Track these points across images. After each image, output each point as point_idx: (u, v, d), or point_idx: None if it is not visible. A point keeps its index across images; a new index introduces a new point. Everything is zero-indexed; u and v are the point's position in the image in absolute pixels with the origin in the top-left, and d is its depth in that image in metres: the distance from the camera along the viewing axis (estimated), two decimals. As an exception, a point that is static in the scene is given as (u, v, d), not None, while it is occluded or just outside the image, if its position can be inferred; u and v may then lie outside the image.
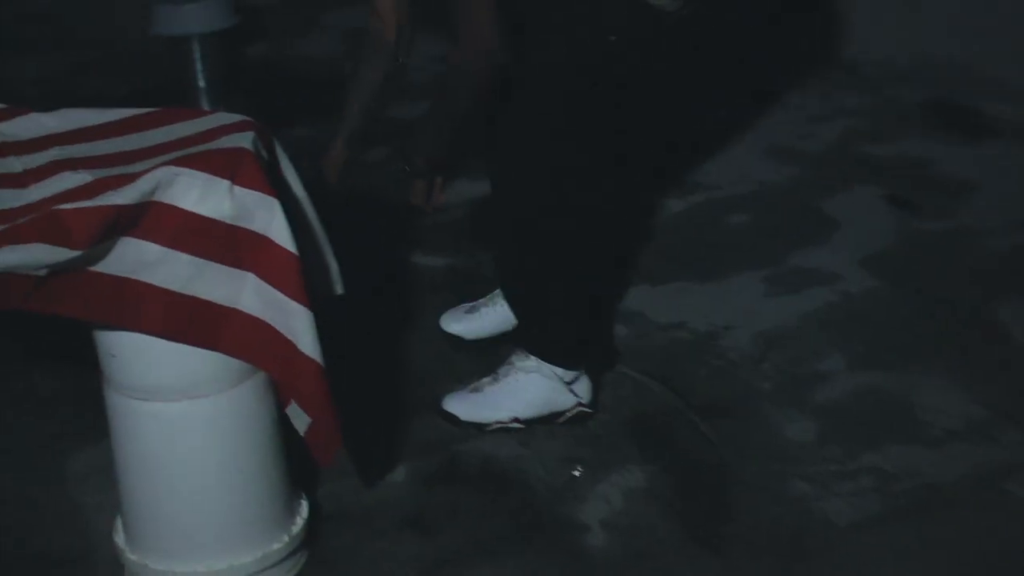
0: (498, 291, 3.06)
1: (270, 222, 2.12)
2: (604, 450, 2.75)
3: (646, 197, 3.87)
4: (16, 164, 2.18)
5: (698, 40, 2.77)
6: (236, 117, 2.28)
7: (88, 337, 2.22)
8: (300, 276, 2.11)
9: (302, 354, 2.11)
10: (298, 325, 2.11)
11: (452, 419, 2.80)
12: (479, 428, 2.79)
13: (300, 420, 2.19)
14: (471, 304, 3.12)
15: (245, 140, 2.17)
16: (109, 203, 1.98)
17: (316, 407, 2.13)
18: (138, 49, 5.13)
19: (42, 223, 1.93)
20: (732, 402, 2.88)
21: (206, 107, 4.76)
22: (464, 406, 2.81)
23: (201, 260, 2.10)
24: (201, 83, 4.78)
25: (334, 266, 2.43)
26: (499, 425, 2.79)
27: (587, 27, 2.57)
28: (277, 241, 2.12)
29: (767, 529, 2.47)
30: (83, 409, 2.57)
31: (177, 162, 2.07)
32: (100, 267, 2.05)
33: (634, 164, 3.22)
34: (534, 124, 2.62)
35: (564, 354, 2.80)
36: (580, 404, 2.83)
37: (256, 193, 2.11)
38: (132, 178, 2.02)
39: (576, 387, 2.82)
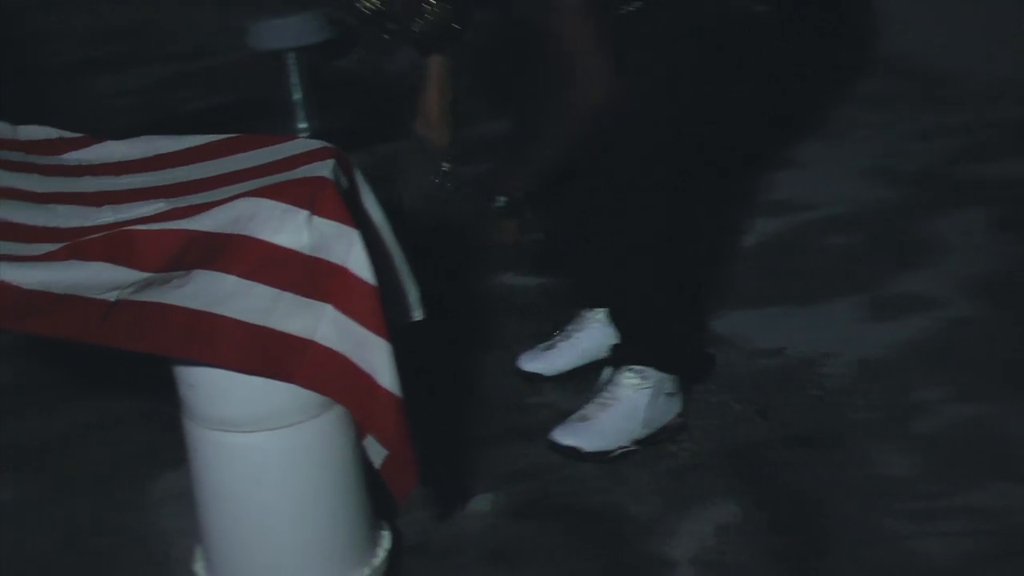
0: (572, 323, 3.04)
1: (348, 253, 2.08)
2: (694, 481, 2.68)
3: (740, 217, 3.78)
4: (92, 184, 2.18)
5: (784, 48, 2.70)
6: (316, 144, 2.25)
7: (168, 359, 2.20)
8: (379, 308, 2.07)
9: (380, 387, 2.07)
10: (377, 358, 2.07)
11: (572, 452, 2.73)
12: (602, 457, 2.73)
13: (376, 453, 2.16)
14: (547, 343, 3.08)
15: (325, 168, 2.13)
16: (182, 227, 1.95)
17: (393, 441, 2.10)
18: (232, 63, 5.15)
19: (110, 241, 1.91)
20: (827, 433, 2.79)
21: (300, 122, 4.78)
22: (582, 437, 2.74)
23: (279, 291, 2.07)
24: (295, 97, 4.79)
25: (414, 291, 2.39)
26: (621, 450, 2.75)
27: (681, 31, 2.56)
28: (355, 272, 2.08)
29: (862, 567, 2.39)
30: (164, 431, 2.55)
31: (256, 192, 2.04)
32: (175, 299, 2.03)
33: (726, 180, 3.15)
34: (644, 145, 2.56)
35: (673, 361, 2.78)
36: (679, 415, 2.81)
37: (335, 223, 2.07)
38: (208, 207, 2.00)
39: (675, 401, 2.81)
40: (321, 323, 2.11)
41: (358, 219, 2.20)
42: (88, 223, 2.02)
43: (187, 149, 2.28)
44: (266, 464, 2.23)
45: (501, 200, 2.63)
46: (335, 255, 2.08)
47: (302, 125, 4.84)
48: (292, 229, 2.04)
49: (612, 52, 2.49)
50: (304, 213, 2.05)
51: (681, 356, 2.81)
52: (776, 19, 2.61)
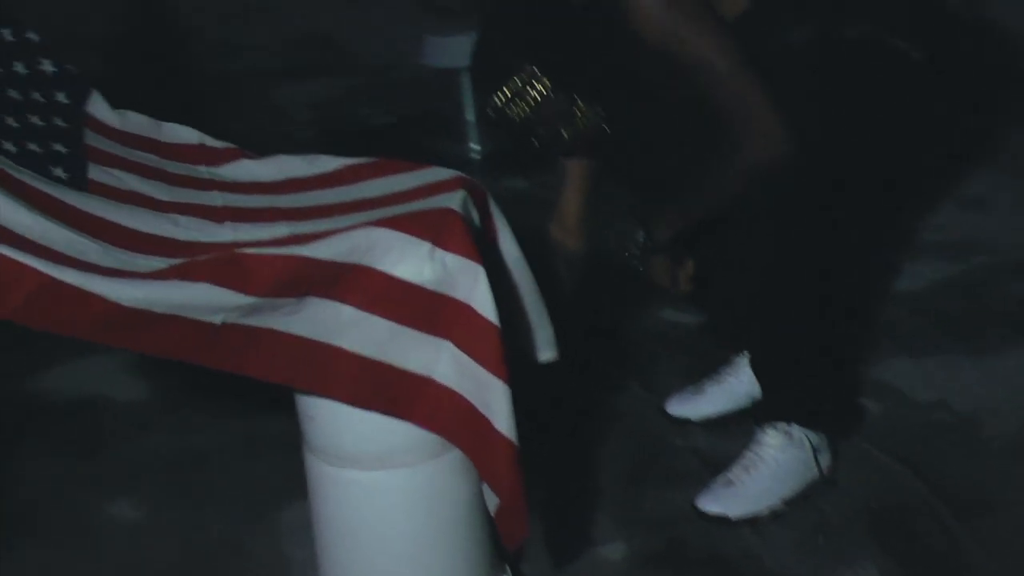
0: (723, 367, 2.92)
1: (473, 289, 2.01)
2: (838, 540, 2.53)
3: (908, 259, 3.60)
4: (218, 198, 2.16)
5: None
6: (449, 173, 2.19)
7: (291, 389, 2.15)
8: (501, 349, 1.98)
9: (496, 432, 1.99)
10: (495, 401, 1.99)
11: (721, 520, 2.60)
12: (752, 522, 2.60)
13: (491, 500, 2.07)
14: (696, 385, 2.95)
15: (454, 200, 2.07)
16: (295, 254, 1.90)
17: (505, 489, 2.01)
18: (410, 78, 5.15)
19: (219, 263, 1.87)
20: (986, 497, 2.61)
21: (472, 142, 4.75)
22: (729, 503, 2.61)
23: (397, 325, 2.01)
24: (468, 116, 4.76)
25: (547, 329, 2.30)
26: (771, 511, 2.61)
27: (848, 77, 2.46)
28: (479, 310, 2.00)
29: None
30: (298, 457, 2.51)
31: (378, 223, 1.99)
32: (287, 327, 1.97)
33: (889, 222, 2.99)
34: (805, 194, 2.44)
35: (818, 415, 2.64)
36: (828, 469, 2.67)
37: (460, 258, 2.00)
38: (327, 235, 1.94)
39: (821, 456, 2.66)
40: (441, 361, 2.04)
41: (488, 253, 2.14)
42: (206, 239, 2.00)
43: (319, 174, 2.25)
44: (383, 503, 2.17)
45: (641, 236, 2.51)
46: (459, 291, 2.01)
47: (474, 146, 4.81)
48: (413, 262, 1.98)
49: (781, 107, 2.38)
50: (426, 246, 1.98)
51: (828, 411, 2.65)
52: (934, 64, 2.47)
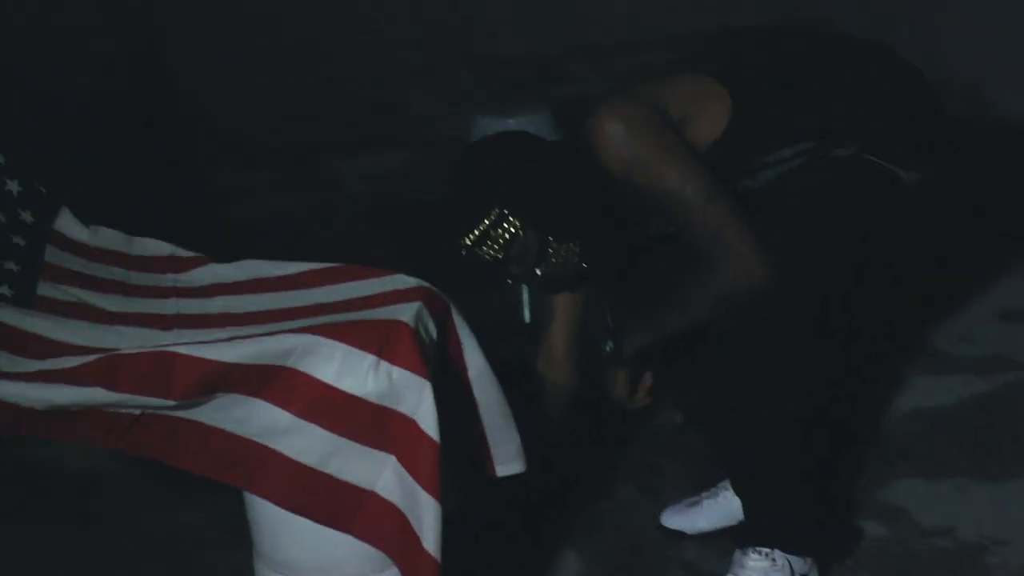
0: (722, 481, 2.82)
1: (418, 404, 1.99)
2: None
3: (933, 374, 3.49)
4: (172, 306, 2.18)
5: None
6: (411, 282, 2.18)
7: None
8: (437, 467, 1.97)
9: (424, 551, 1.97)
10: (426, 519, 1.97)
11: None
12: None
13: None
14: (693, 499, 2.87)
15: (407, 312, 2.06)
16: (223, 360, 1.91)
17: None
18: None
19: (142, 367, 1.89)
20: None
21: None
22: None
23: (339, 438, 2.00)
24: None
25: (513, 443, 2.27)
26: None
27: (835, 201, 2.40)
28: (422, 426, 2.00)
29: None
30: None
31: (321, 330, 1.97)
32: (220, 423, 1.99)
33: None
34: (779, 305, 2.37)
35: (804, 540, 2.56)
36: None
37: (406, 372, 1.99)
38: (262, 337, 1.96)
39: None
40: (383, 475, 2.03)
41: (449, 365, 2.11)
42: (147, 346, 1.98)
43: (281, 276, 2.24)
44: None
45: (608, 344, 2.46)
46: (404, 405, 2.00)
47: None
48: (356, 374, 1.97)
49: (758, 236, 2.33)
50: (370, 358, 1.97)
51: (815, 536, 2.56)
52: (928, 183, 2.41)
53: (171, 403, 1.89)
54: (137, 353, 1.88)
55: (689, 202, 2.31)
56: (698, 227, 2.32)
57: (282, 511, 2.05)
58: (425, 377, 1.97)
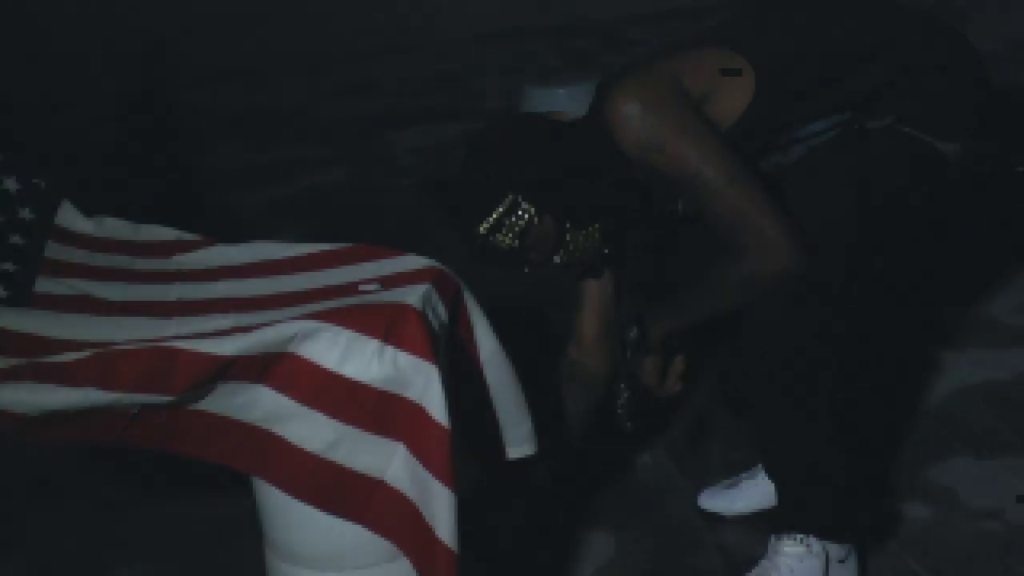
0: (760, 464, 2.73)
1: (426, 389, 1.94)
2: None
3: (989, 347, 3.38)
4: (175, 292, 2.14)
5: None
6: (422, 263, 2.13)
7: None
8: (450, 454, 1.92)
9: (439, 541, 1.92)
10: (439, 508, 1.92)
11: None
12: None
13: None
14: (731, 480, 2.80)
15: (414, 294, 2.00)
16: (223, 353, 1.87)
17: None
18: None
19: (140, 366, 1.85)
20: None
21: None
22: None
23: (345, 426, 1.95)
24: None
25: (525, 425, 2.22)
26: None
27: (869, 177, 2.31)
28: (430, 412, 1.94)
29: None
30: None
31: (324, 315, 1.92)
32: (227, 411, 1.95)
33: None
34: (815, 287, 2.29)
35: (841, 526, 2.47)
36: None
37: (413, 357, 1.94)
38: (261, 327, 1.91)
39: (849, 564, 2.49)
40: (392, 463, 1.99)
41: (462, 348, 2.06)
42: (145, 335, 1.95)
43: (289, 258, 2.20)
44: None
45: (634, 330, 2.39)
46: (412, 391, 1.95)
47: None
48: (359, 359, 1.93)
49: (786, 218, 2.23)
50: (374, 343, 1.92)
51: (852, 523, 2.48)
52: (971, 155, 2.30)
53: (170, 399, 1.85)
54: (137, 351, 1.84)
55: (710, 184, 2.23)
56: (721, 210, 2.23)
57: (290, 499, 2.01)
58: (432, 362, 1.92)
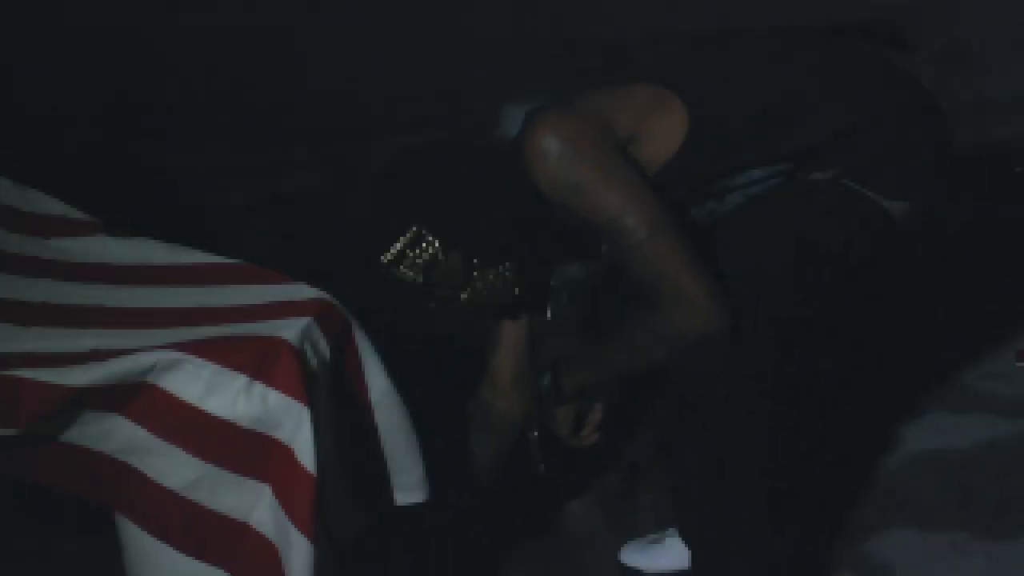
0: None
1: (295, 432, 1.84)
2: None
3: (951, 413, 3.24)
4: (40, 292, 2.04)
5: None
6: (311, 293, 2.02)
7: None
8: (313, 503, 1.84)
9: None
10: (295, 559, 1.84)
11: None
12: None
13: None
14: (657, 535, 2.67)
15: (291, 329, 1.90)
16: (73, 383, 1.77)
17: None
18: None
19: None
20: None
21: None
22: None
23: (204, 463, 1.84)
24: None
25: (416, 471, 2.12)
26: None
27: (806, 233, 2.20)
28: (298, 457, 1.85)
29: None
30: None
31: (188, 347, 1.81)
32: (84, 441, 1.86)
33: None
34: (742, 345, 2.18)
35: None
36: None
37: (284, 396, 1.85)
38: (123, 354, 1.81)
39: None
40: (258, 506, 1.89)
41: (347, 389, 1.98)
42: (5, 348, 1.85)
43: (173, 265, 2.11)
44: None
45: (546, 378, 2.27)
46: (282, 432, 1.85)
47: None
48: (224, 396, 1.84)
49: (711, 275, 2.12)
50: (242, 378, 1.83)
51: None
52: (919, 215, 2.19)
53: (15, 431, 1.73)
54: None
55: (629, 235, 2.10)
56: (639, 264, 2.12)
57: (150, 539, 1.90)
58: (304, 403, 1.83)
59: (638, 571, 2.66)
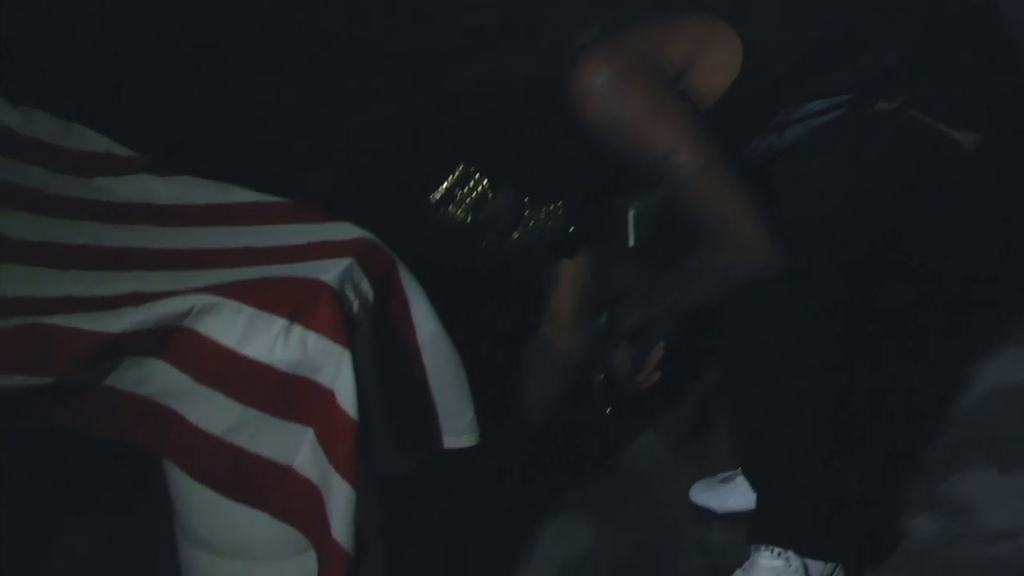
0: None
1: (336, 377, 1.80)
2: None
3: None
4: (81, 234, 1.99)
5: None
6: (353, 233, 1.96)
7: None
8: (354, 448, 1.79)
9: (333, 540, 1.80)
10: (336, 503, 1.80)
11: None
12: None
13: None
14: (727, 473, 2.61)
15: (333, 269, 1.86)
16: (109, 330, 1.73)
17: None
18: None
19: (13, 343, 1.71)
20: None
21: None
22: None
23: (245, 407, 1.81)
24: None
25: (467, 414, 2.07)
26: None
27: (869, 167, 2.10)
28: (340, 400, 1.80)
29: None
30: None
31: (226, 290, 1.78)
32: (123, 384, 1.82)
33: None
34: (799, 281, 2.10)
35: (821, 544, 2.30)
36: None
37: (324, 339, 1.80)
38: (158, 297, 1.78)
39: None
40: (301, 449, 1.86)
41: (391, 331, 1.95)
42: (34, 293, 1.81)
43: (215, 204, 2.08)
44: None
45: (604, 317, 2.21)
46: (323, 375, 1.82)
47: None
48: (262, 339, 1.80)
49: (767, 207, 2.05)
50: (281, 322, 1.79)
51: (837, 540, 2.29)
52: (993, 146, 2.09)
53: (50, 380, 1.71)
54: (5, 329, 1.70)
55: (681, 170, 2.03)
56: (692, 200, 2.05)
57: (196, 482, 1.88)
58: (344, 346, 1.79)
59: (709, 510, 2.62)
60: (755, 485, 2.33)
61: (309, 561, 1.91)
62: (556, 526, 2.63)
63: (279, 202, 2.04)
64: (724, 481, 2.63)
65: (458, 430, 2.06)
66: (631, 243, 2.24)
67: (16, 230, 1.98)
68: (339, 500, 1.77)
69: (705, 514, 2.64)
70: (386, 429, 1.99)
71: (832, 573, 2.31)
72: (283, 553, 1.93)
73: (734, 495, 2.58)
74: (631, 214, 2.21)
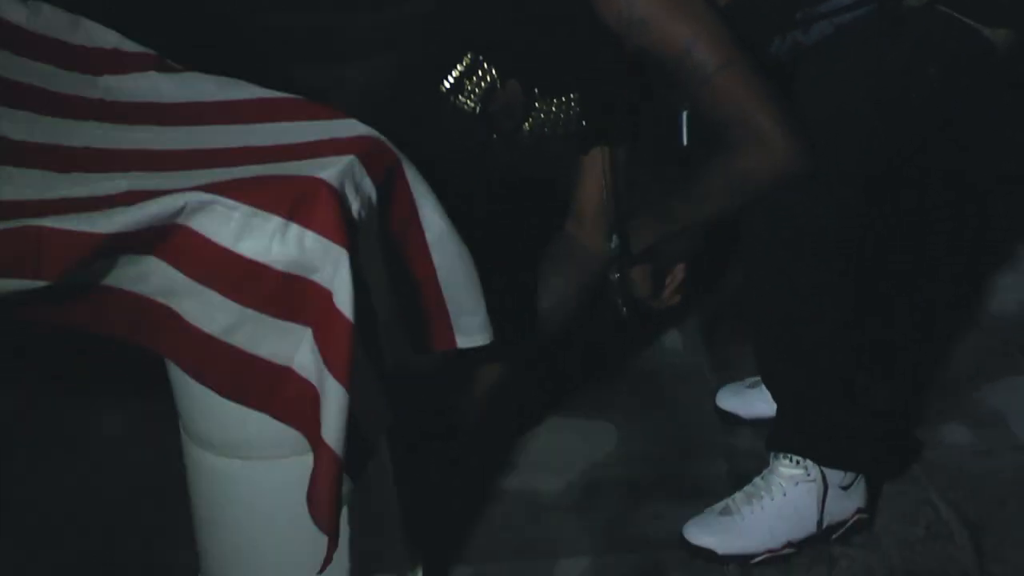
0: None
1: (334, 277, 1.75)
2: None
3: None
4: (84, 135, 1.94)
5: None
6: (359, 130, 1.90)
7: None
8: (349, 349, 1.74)
9: (322, 441, 1.75)
10: (328, 406, 1.75)
11: (705, 554, 2.25)
12: (742, 561, 2.25)
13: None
14: (755, 379, 2.55)
15: (333, 167, 1.80)
16: (103, 231, 1.68)
17: (317, 503, 1.78)
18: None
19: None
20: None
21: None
22: (719, 536, 2.25)
23: (242, 307, 1.77)
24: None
25: (481, 311, 2.02)
26: (769, 555, 2.25)
27: (896, 70, 2.03)
28: (336, 301, 1.75)
29: None
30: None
31: (220, 187, 1.73)
32: (120, 283, 1.78)
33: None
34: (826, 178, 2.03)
35: (841, 455, 2.25)
36: (859, 511, 2.27)
37: (322, 238, 1.75)
38: (153, 195, 1.72)
39: (854, 491, 2.27)
40: (300, 349, 1.81)
41: (397, 230, 1.90)
42: (33, 196, 1.78)
43: (221, 103, 2.01)
44: (248, 496, 1.97)
45: (614, 238, 2.14)
46: (321, 274, 1.77)
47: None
48: (257, 237, 1.76)
49: (790, 108, 1.97)
50: (277, 220, 1.75)
51: (856, 452, 2.24)
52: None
53: (43, 283, 1.68)
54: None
55: (701, 68, 1.96)
56: (712, 98, 1.98)
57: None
58: (343, 245, 1.74)
59: (735, 416, 2.58)
60: (775, 396, 2.27)
61: (309, 462, 1.88)
62: (578, 428, 2.61)
63: (286, 99, 1.98)
64: (751, 386, 2.58)
65: (471, 329, 2.01)
66: (683, 142, 2.17)
67: (18, 132, 1.94)
68: (331, 401, 1.73)
69: (731, 419, 2.60)
70: (399, 329, 1.94)
71: (853, 483, 2.26)
72: (283, 453, 1.90)
73: (761, 400, 2.52)
74: (684, 113, 2.14)
